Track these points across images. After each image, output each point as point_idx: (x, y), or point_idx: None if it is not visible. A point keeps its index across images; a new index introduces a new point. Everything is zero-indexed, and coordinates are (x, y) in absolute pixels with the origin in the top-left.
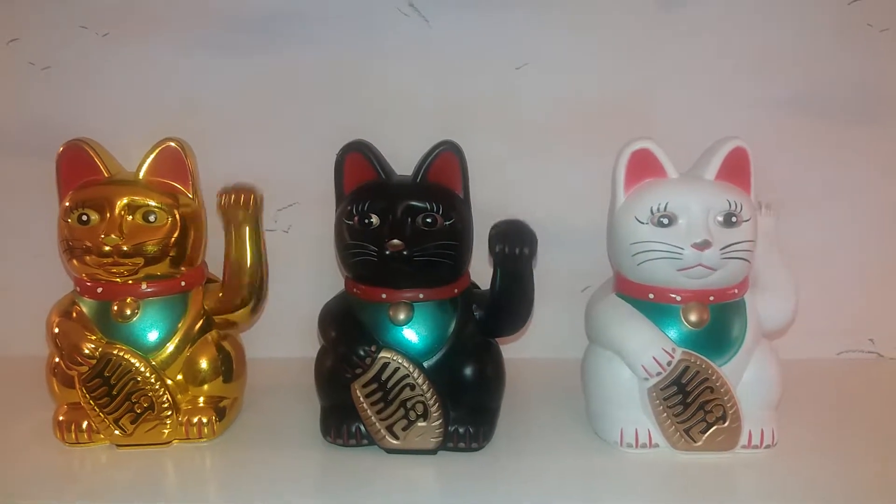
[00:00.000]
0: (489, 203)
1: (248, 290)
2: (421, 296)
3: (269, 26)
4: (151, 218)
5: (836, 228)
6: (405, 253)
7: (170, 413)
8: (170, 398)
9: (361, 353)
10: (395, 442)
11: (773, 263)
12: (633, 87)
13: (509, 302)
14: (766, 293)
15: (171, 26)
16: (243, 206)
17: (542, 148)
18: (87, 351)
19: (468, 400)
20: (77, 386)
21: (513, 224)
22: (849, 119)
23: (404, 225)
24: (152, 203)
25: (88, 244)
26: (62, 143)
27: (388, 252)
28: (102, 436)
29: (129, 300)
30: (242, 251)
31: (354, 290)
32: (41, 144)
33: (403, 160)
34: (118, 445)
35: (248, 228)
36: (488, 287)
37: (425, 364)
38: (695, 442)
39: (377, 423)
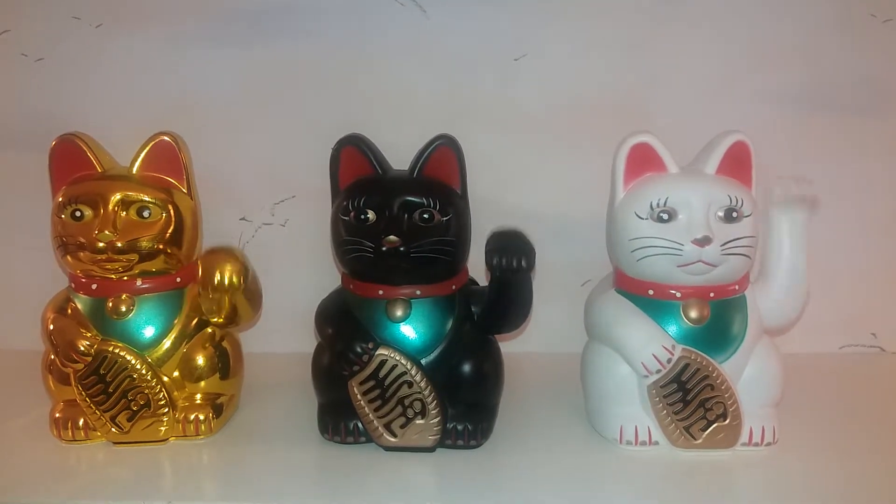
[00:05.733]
0: (487, 196)
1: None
2: (418, 292)
3: (264, 18)
4: (146, 213)
5: (838, 222)
6: (402, 249)
7: (166, 410)
8: (166, 395)
9: (359, 349)
10: (392, 439)
11: (793, 264)
12: (634, 79)
13: (506, 309)
14: (773, 292)
15: (164, 18)
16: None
17: (542, 140)
18: (82, 348)
19: (466, 397)
20: (73, 383)
21: (510, 235)
22: (852, 112)
23: (401, 221)
24: (146, 198)
25: (82, 240)
26: (55, 137)
27: (384, 248)
28: (99, 433)
29: (123, 296)
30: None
31: (351, 286)
32: (34, 136)
33: (402, 152)
34: (115, 443)
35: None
36: (486, 283)
37: (423, 361)
38: (695, 440)
39: (375, 421)
